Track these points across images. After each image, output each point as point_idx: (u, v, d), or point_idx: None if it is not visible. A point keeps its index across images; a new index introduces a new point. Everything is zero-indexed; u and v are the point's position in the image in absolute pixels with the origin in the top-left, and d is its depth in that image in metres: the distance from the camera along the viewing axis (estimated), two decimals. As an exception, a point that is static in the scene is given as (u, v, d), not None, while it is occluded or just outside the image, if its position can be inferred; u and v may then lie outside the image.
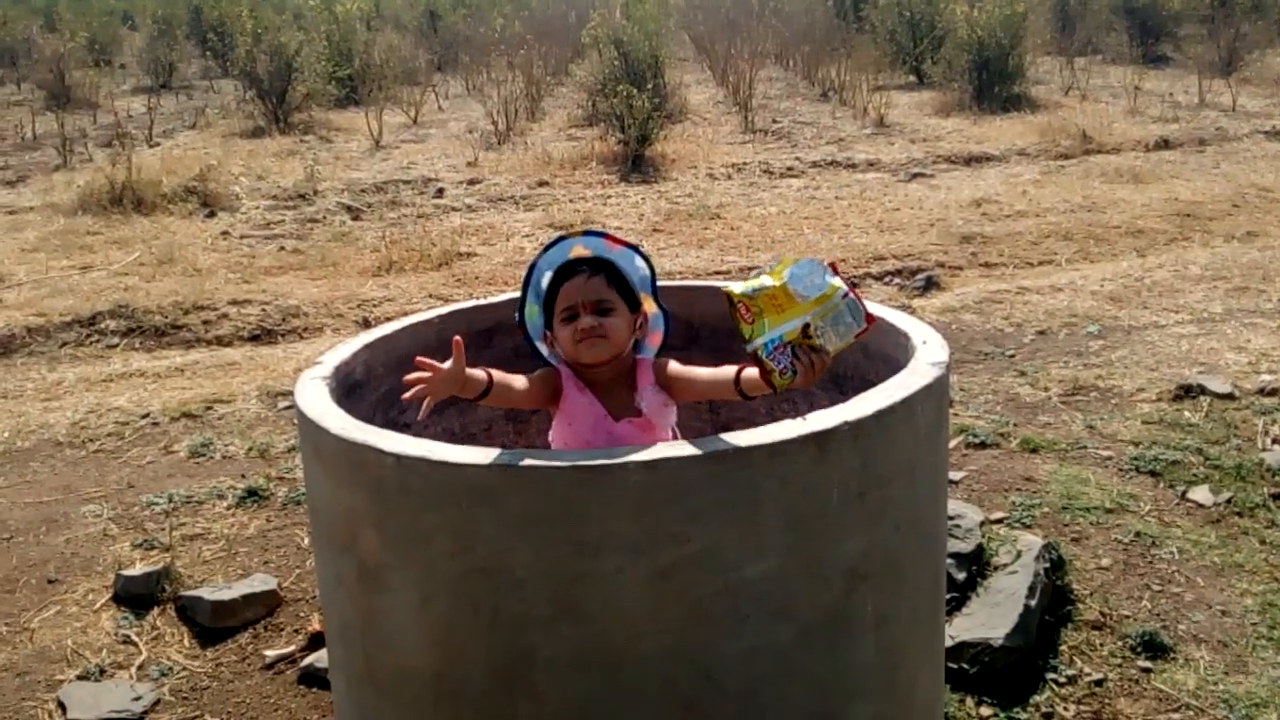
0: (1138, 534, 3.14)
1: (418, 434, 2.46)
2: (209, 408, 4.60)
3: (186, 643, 2.88)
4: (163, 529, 3.45)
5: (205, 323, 6.06)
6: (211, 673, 2.76)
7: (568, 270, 2.04)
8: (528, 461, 1.66)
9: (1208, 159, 9.73)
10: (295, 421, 2.16)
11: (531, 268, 2.11)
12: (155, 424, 4.47)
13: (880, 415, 1.78)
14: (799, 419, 1.76)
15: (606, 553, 1.67)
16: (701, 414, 2.72)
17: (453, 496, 1.70)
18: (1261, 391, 4.17)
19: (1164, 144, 10.39)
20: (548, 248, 2.10)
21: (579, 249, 2.09)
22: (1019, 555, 2.83)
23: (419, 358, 1.86)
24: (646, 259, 2.15)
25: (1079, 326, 5.22)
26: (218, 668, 2.78)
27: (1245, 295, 5.62)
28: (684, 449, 1.67)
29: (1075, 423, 4.00)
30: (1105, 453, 3.70)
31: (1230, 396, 4.12)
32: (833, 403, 2.56)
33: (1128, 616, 2.77)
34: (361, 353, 2.27)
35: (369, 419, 2.28)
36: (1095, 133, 10.60)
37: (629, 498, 1.65)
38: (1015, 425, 3.98)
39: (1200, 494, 3.38)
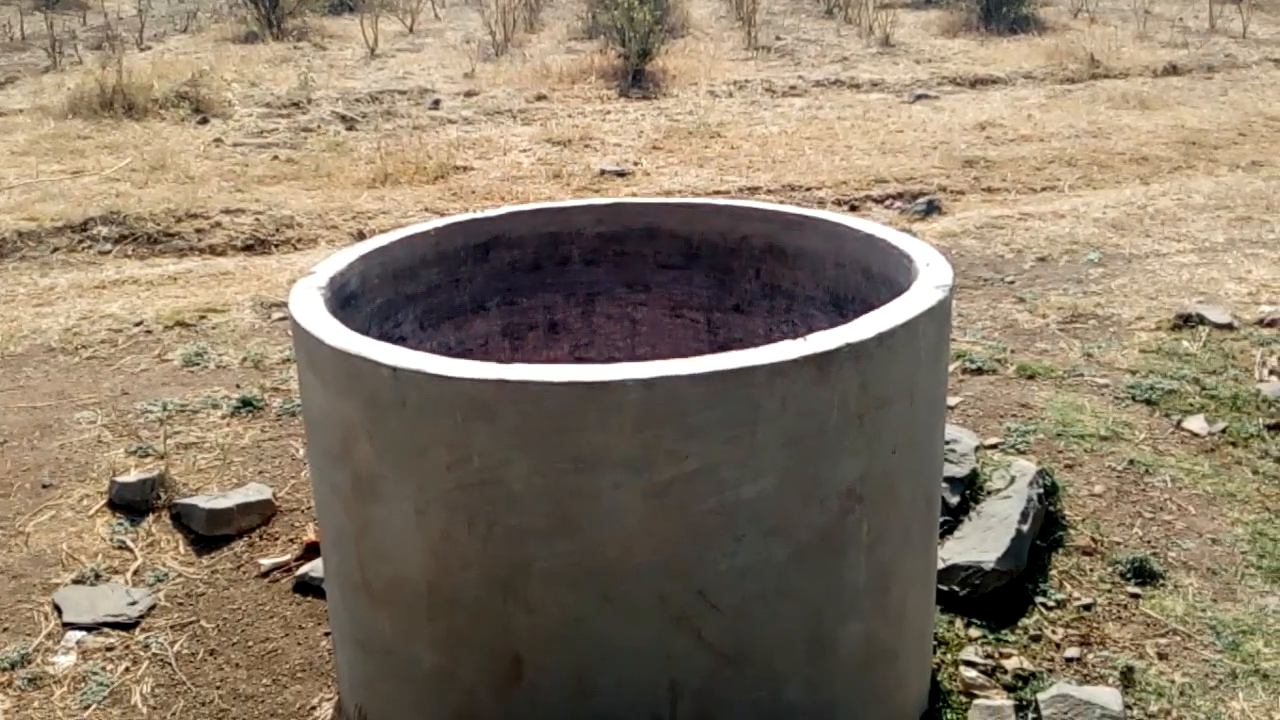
0: (1131, 462, 3.15)
1: (413, 348, 2.45)
2: (203, 317, 4.57)
3: (181, 550, 2.89)
4: (157, 437, 3.45)
5: (198, 231, 5.99)
6: (207, 579, 2.77)
7: None
8: (524, 376, 1.64)
9: (1216, 86, 9.59)
10: (290, 332, 2.13)
11: None
12: (148, 332, 4.44)
13: (882, 338, 1.76)
14: (799, 339, 1.74)
15: (603, 468, 1.66)
16: (700, 334, 2.71)
17: (449, 409, 1.68)
18: (1260, 322, 4.16)
19: (1172, 70, 10.22)
20: None
21: None
22: (1012, 480, 2.83)
23: None
24: None
25: (1080, 254, 5.18)
26: (213, 575, 2.79)
27: (1248, 225, 5.57)
28: (683, 367, 1.65)
29: (1073, 350, 3.99)
30: (1102, 380, 3.69)
31: (1229, 327, 4.10)
32: (833, 325, 2.54)
33: (1118, 543, 2.78)
34: (357, 264, 2.24)
35: (364, 331, 2.26)
36: (1103, 57, 10.43)
37: (627, 414, 1.63)
38: (1013, 351, 3.97)
39: (1195, 423, 3.39)
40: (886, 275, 2.27)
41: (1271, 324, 4.14)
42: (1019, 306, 4.49)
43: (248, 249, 5.85)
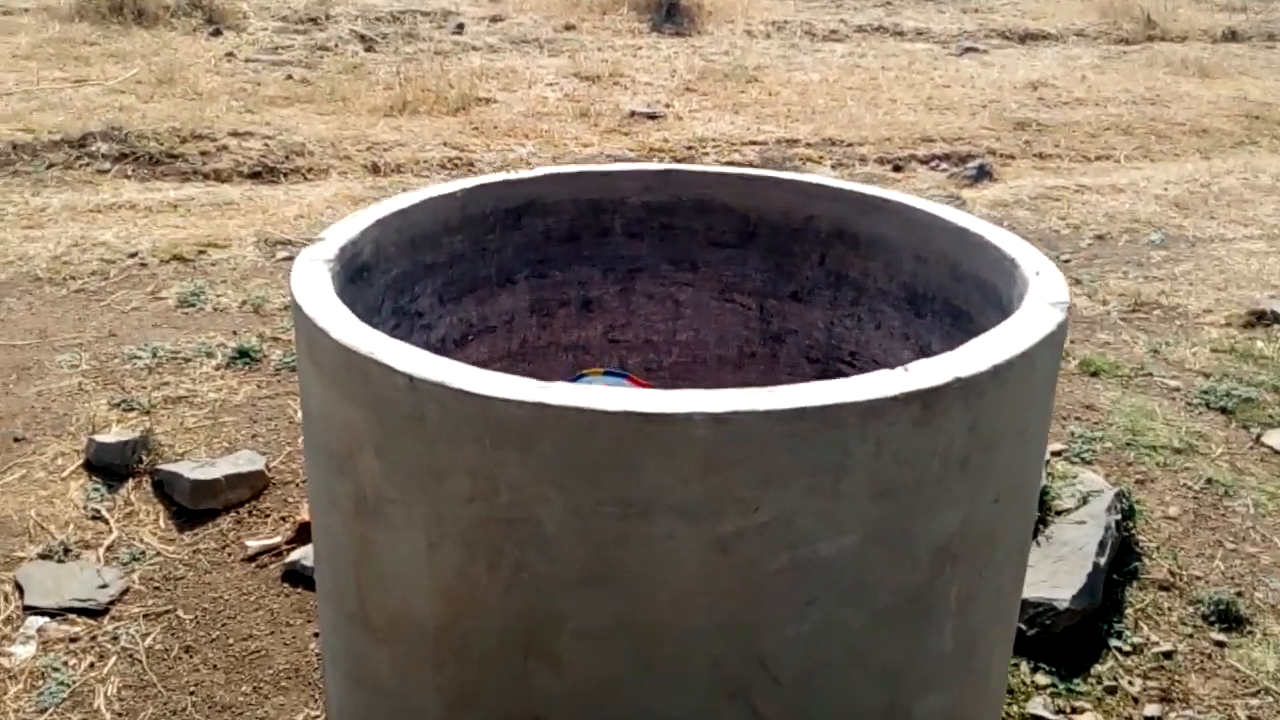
0: (1209, 480, 2.86)
1: (430, 325, 2.16)
2: (202, 251, 4.27)
3: (161, 523, 2.62)
4: (143, 387, 3.17)
5: (203, 154, 5.65)
6: (187, 560, 2.51)
7: None
8: (570, 401, 1.35)
9: (1278, 55, 9.14)
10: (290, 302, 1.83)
11: None
12: (143, 264, 4.15)
13: (997, 370, 1.46)
14: (899, 370, 1.43)
15: (657, 515, 1.37)
16: (751, 322, 2.40)
17: (475, 432, 1.39)
18: (1342, 325, 3.85)
19: (1231, 35, 9.76)
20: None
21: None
22: (1085, 501, 2.55)
23: None
24: None
25: (1141, 233, 4.85)
26: (194, 555, 2.53)
27: (1320, 212, 5.23)
28: (761, 400, 1.35)
29: (1138, 344, 3.69)
30: (1173, 382, 3.40)
31: (1308, 329, 3.80)
32: (905, 325, 2.25)
33: (1199, 578, 2.51)
34: (372, 229, 1.93)
35: (376, 307, 1.96)
36: (1160, 17, 9.95)
37: (691, 454, 1.34)
38: (1073, 342, 3.67)
39: (1276, 439, 3.10)
40: (979, 277, 1.97)
41: (1355, 328, 3.83)
42: (1077, 289, 4.18)
43: (254, 176, 5.51)
